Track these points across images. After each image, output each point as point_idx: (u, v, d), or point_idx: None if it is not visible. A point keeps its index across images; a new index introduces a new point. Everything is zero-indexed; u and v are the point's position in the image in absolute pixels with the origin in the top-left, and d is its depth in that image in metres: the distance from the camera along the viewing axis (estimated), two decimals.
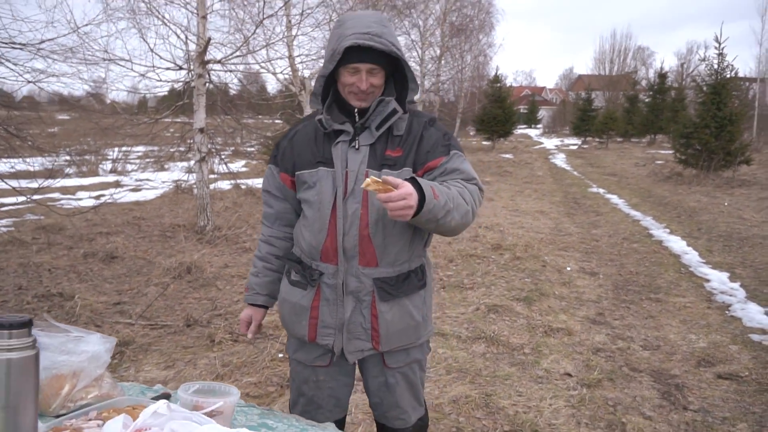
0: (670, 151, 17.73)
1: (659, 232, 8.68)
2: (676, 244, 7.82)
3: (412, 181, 1.66)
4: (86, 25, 4.85)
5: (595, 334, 4.61)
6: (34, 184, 6.79)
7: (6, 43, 4.34)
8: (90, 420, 1.31)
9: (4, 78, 4.79)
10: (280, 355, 4.14)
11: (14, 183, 6.13)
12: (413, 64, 18.82)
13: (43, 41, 4.41)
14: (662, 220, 9.68)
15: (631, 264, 6.86)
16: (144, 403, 1.45)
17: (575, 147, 31.99)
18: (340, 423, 2.09)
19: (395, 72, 1.89)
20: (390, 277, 1.87)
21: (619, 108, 37.24)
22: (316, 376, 2.02)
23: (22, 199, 8.33)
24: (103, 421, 1.31)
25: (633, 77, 41.72)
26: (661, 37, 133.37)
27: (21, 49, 4.42)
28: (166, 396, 1.66)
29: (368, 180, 1.61)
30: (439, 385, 3.71)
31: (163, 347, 4.33)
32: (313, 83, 1.82)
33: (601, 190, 13.85)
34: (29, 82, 4.64)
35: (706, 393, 3.67)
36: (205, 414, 1.32)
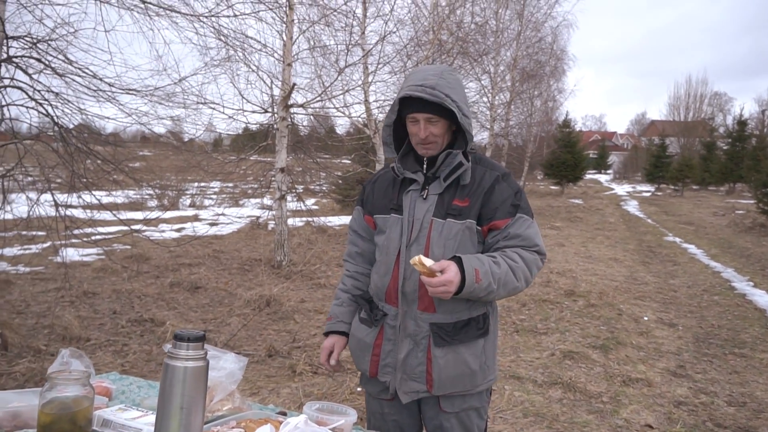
0: (752, 201, 17.00)
1: (742, 285, 8.35)
2: (762, 298, 7.49)
3: (458, 261, 1.79)
4: (192, 75, 5.30)
5: (676, 387, 4.51)
6: (130, 215, 7.30)
7: (123, 89, 4.83)
8: (232, 428, 1.48)
9: (115, 118, 5.25)
10: (358, 389, 4.26)
11: (107, 214, 6.61)
12: (483, 109, 19.02)
13: (156, 88, 4.90)
14: (745, 272, 9.30)
15: (713, 317, 6.64)
16: (272, 417, 1.62)
17: (648, 194, 31.12)
18: None
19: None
20: (447, 323, 1.93)
21: (695, 155, 36.06)
22: (381, 408, 2.12)
23: (116, 229, 8.89)
24: (242, 429, 1.48)
25: (710, 124, 40.44)
26: (741, 83, 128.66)
27: (135, 94, 4.91)
28: (283, 414, 1.82)
29: (416, 258, 1.75)
30: (516, 428, 3.73)
31: (247, 375, 4.54)
32: None
33: (678, 239, 13.43)
34: (139, 123, 5.12)
35: None
36: (329, 429, 1.47)
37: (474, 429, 2.04)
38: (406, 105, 1.92)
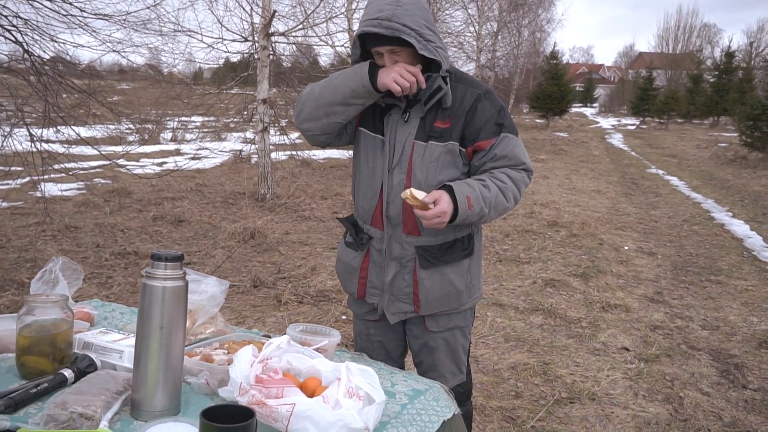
0: (735, 134, 17.13)
1: (721, 215, 8.49)
2: (739, 227, 7.65)
3: (449, 190, 1.76)
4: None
5: (653, 312, 4.64)
6: (110, 149, 7.16)
7: (94, 14, 4.62)
8: (215, 349, 1.49)
9: (89, 47, 5.05)
10: (344, 317, 4.34)
11: (86, 148, 6.47)
12: (469, 39, 18.61)
13: (129, 13, 4.68)
14: (725, 203, 9.45)
15: (691, 246, 6.78)
16: (256, 339, 1.63)
17: (633, 127, 31.12)
18: None
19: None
20: (432, 245, 1.93)
21: (682, 88, 35.89)
22: (367, 329, 2.16)
23: (97, 163, 8.74)
24: (226, 350, 1.49)
25: (698, 56, 40.06)
26: (734, 15, 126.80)
27: (107, 20, 4.70)
28: (267, 337, 1.84)
29: (407, 192, 1.71)
30: (497, 352, 3.83)
31: (233, 305, 4.58)
32: None
33: (661, 172, 13.54)
34: (113, 51, 4.92)
35: (766, 374, 3.67)
36: (313, 349, 1.48)
37: (459, 348, 2.09)
38: (367, 39, 1.82)
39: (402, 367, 2.24)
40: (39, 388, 1.27)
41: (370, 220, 2.00)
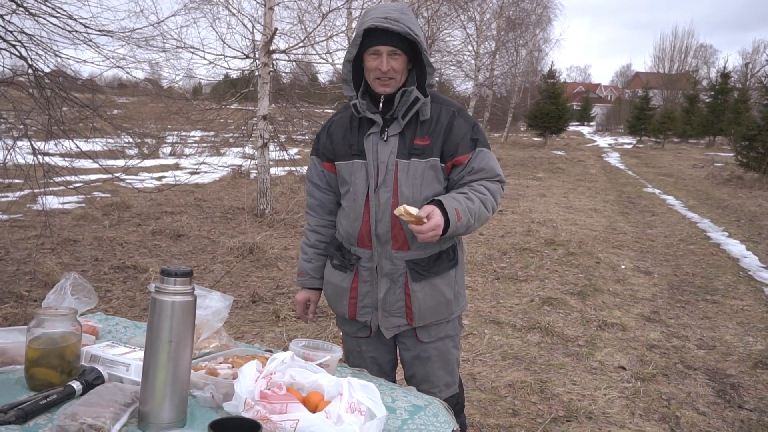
0: (731, 154, 17.25)
1: (717, 234, 8.54)
2: (735, 247, 7.70)
3: (439, 204, 1.85)
4: (171, 16, 5.14)
5: (649, 331, 4.66)
6: (109, 163, 7.19)
7: (99, 30, 4.68)
8: (220, 363, 1.52)
9: (92, 62, 5.11)
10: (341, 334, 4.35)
11: (86, 162, 6.48)
12: (468, 58, 18.80)
13: (133, 30, 4.75)
14: (720, 223, 9.51)
15: (687, 265, 6.82)
16: (259, 354, 1.66)
17: (630, 146, 31.33)
18: None
19: (416, 61, 1.97)
20: (421, 258, 2.01)
21: (678, 107, 36.23)
22: (359, 346, 2.20)
23: (96, 177, 8.77)
24: (230, 365, 1.51)
25: (693, 76, 40.45)
26: (732, 36, 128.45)
27: (111, 36, 4.76)
28: (270, 352, 1.86)
29: (401, 209, 1.78)
30: (495, 369, 3.85)
31: (231, 320, 4.59)
32: None
33: (657, 191, 13.62)
34: (117, 67, 4.99)
35: (762, 394, 3.69)
36: (315, 364, 1.51)
37: (451, 359, 2.16)
38: (368, 39, 1.89)
39: (393, 382, 2.27)
40: (48, 399, 1.29)
41: (356, 241, 2.05)
